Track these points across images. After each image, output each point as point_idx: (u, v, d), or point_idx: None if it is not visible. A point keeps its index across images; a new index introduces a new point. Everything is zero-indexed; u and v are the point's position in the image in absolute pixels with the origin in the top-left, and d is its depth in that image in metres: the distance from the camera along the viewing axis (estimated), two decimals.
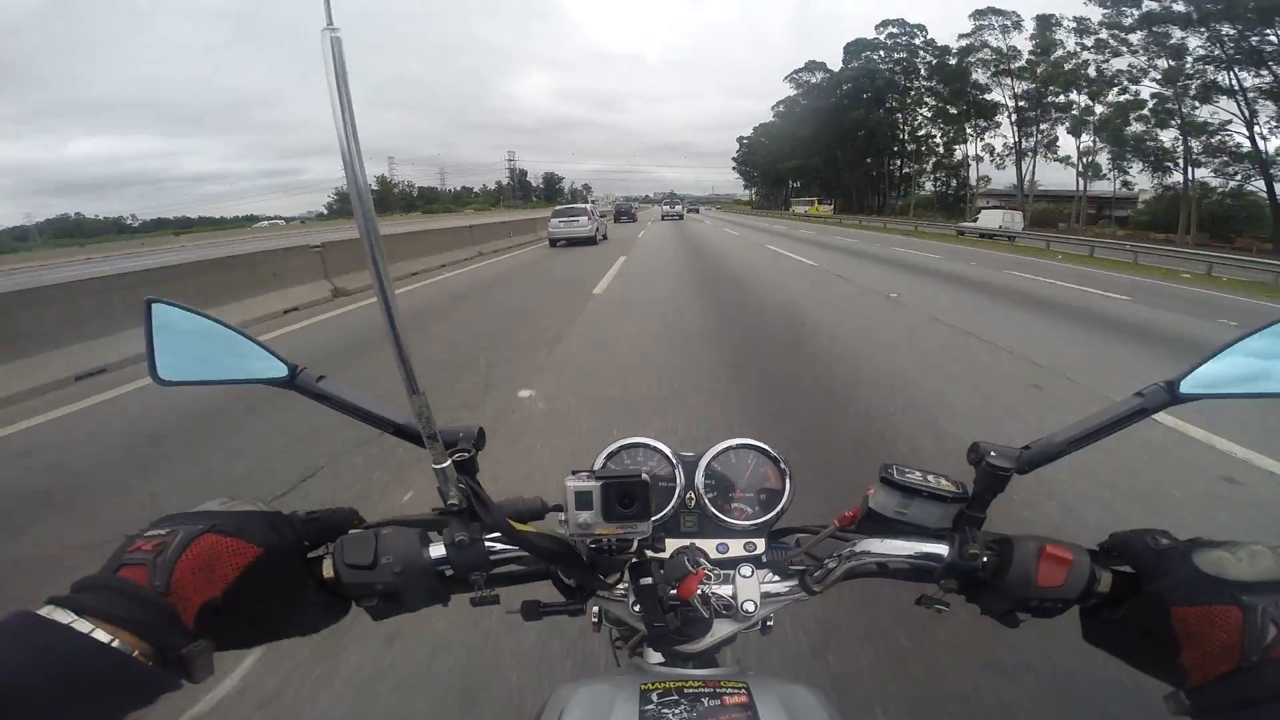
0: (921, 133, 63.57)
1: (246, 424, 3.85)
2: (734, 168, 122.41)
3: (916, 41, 61.27)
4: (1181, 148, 37.50)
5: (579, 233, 20.33)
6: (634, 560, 0.54)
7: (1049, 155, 49.22)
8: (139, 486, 3.08)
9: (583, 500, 0.47)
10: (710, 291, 9.58)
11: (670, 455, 0.70)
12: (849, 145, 68.99)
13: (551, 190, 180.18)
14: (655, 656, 0.64)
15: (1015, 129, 50.44)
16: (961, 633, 1.92)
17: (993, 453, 0.54)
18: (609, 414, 3.97)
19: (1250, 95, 33.11)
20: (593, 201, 44.20)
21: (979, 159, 56.46)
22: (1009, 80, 49.66)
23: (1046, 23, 45.15)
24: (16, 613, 0.36)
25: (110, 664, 0.36)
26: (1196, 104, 35.85)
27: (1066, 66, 43.63)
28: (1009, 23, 48.88)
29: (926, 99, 60.78)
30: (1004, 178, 56.10)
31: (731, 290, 9.82)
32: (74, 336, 5.37)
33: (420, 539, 0.53)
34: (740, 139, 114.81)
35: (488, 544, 0.53)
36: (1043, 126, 48.60)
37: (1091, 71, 42.17)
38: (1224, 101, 34.55)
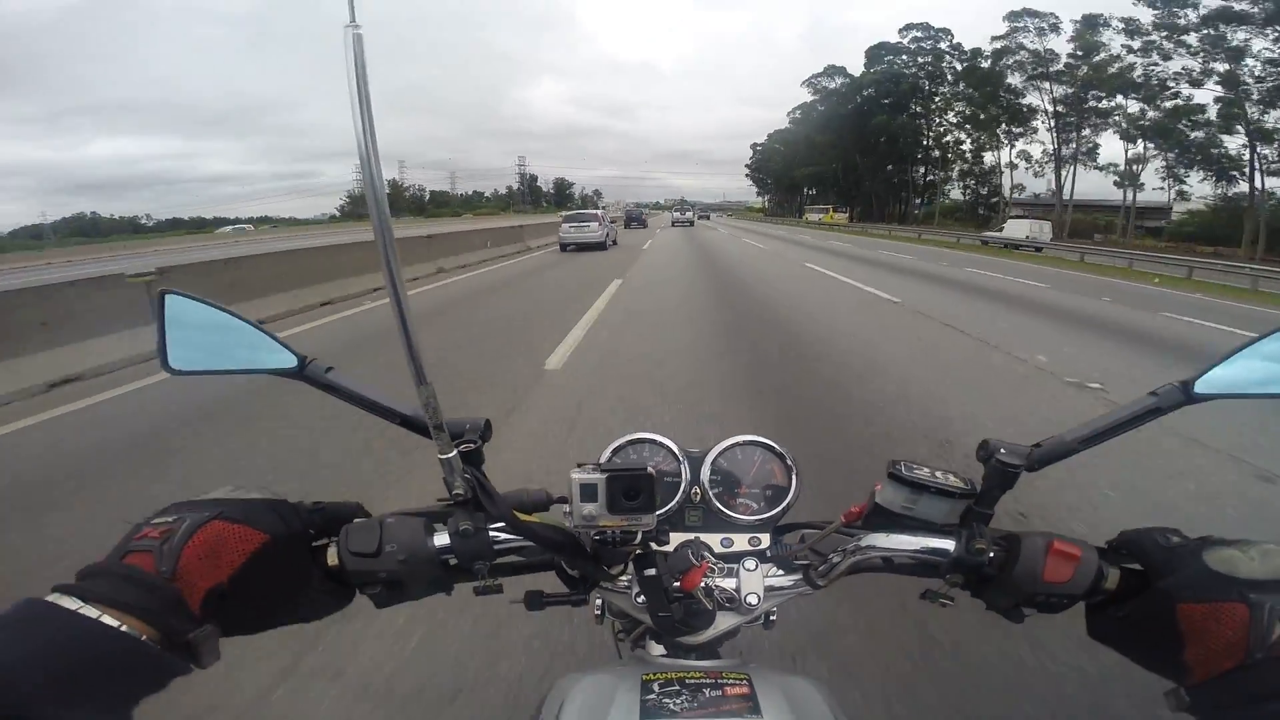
0: (948, 139, 60.92)
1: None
2: (747, 174, 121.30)
3: (942, 46, 58.89)
4: (1249, 155, 34.69)
5: (589, 238, 20.40)
6: (638, 552, 0.54)
7: (1087, 163, 46.45)
8: None
9: (588, 492, 0.48)
10: (754, 370, 5.28)
11: (676, 451, 0.69)
12: (872, 151, 66.52)
13: (561, 196, 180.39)
14: (657, 649, 0.64)
15: (1054, 134, 47.57)
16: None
17: (1002, 450, 0.54)
18: None
19: None
20: (603, 207, 43.25)
21: (1013, 166, 53.66)
22: (1046, 84, 46.88)
23: (1091, 23, 42.31)
24: (24, 601, 0.36)
25: (119, 649, 0.37)
26: (1265, 109, 33.08)
27: (1112, 70, 40.86)
28: (1046, 25, 46.11)
29: (956, 103, 58.07)
30: (1038, 186, 53.46)
31: (789, 360, 5.64)
32: None
33: (425, 528, 0.53)
34: (753, 145, 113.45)
35: (492, 534, 0.53)
36: (1084, 133, 45.82)
37: (1139, 75, 39.44)
38: None
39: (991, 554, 0.54)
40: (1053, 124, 47.45)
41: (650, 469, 0.49)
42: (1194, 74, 36.05)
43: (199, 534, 0.44)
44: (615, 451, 0.70)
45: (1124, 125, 41.75)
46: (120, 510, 2.19)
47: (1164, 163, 40.41)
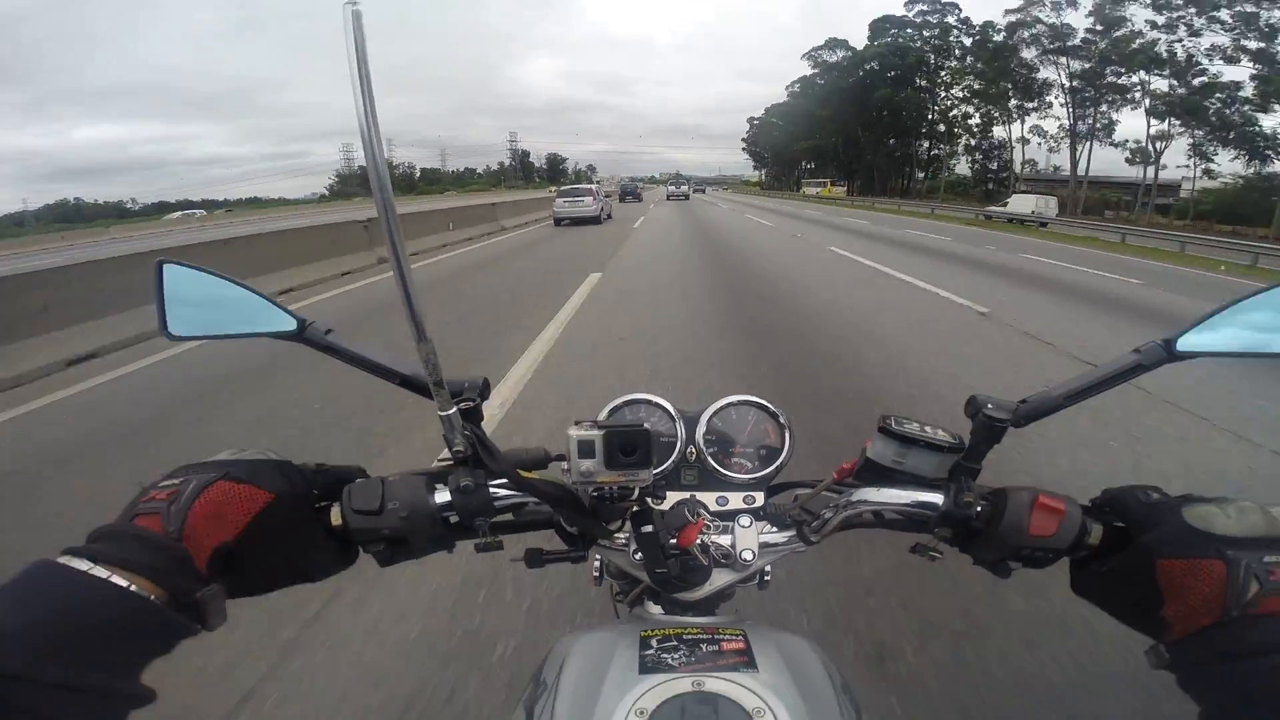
0: (954, 113, 58.86)
1: None
2: (744, 148, 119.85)
3: (950, 20, 56.87)
4: None
5: (584, 212, 20.22)
6: (635, 509, 0.54)
7: (1103, 139, 44.69)
8: None
9: (585, 449, 0.48)
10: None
11: (672, 411, 0.70)
12: (875, 125, 64.60)
13: (555, 171, 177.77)
14: (655, 609, 0.65)
15: (1070, 110, 45.62)
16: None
17: (990, 405, 0.54)
18: None
19: None
20: (598, 182, 41.87)
21: (1025, 141, 51.78)
22: (1063, 59, 44.73)
23: None
24: (36, 564, 0.37)
25: (129, 608, 0.37)
26: None
27: (1135, 44, 38.93)
28: None
29: (964, 77, 55.83)
30: (1053, 162, 51.68)
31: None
32: None
33: (426, 486, 0.53)
34: (751, 119, 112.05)
35: (492, 490, 0.54)
36: (1101, 109, 43.98)
37: (1163, 50, 37.53)
38: None
39: (979, 508, 0.55)
40: (1068, 100, 45.58)
41: (646, 426, 0.49)
42: (1227, 51, 34.39)
43: (205, 494, 0.44)
44: (612, 412, 0.71)
45: (1149, 102, 40.05)
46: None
47: (1191, 140, 38.83)
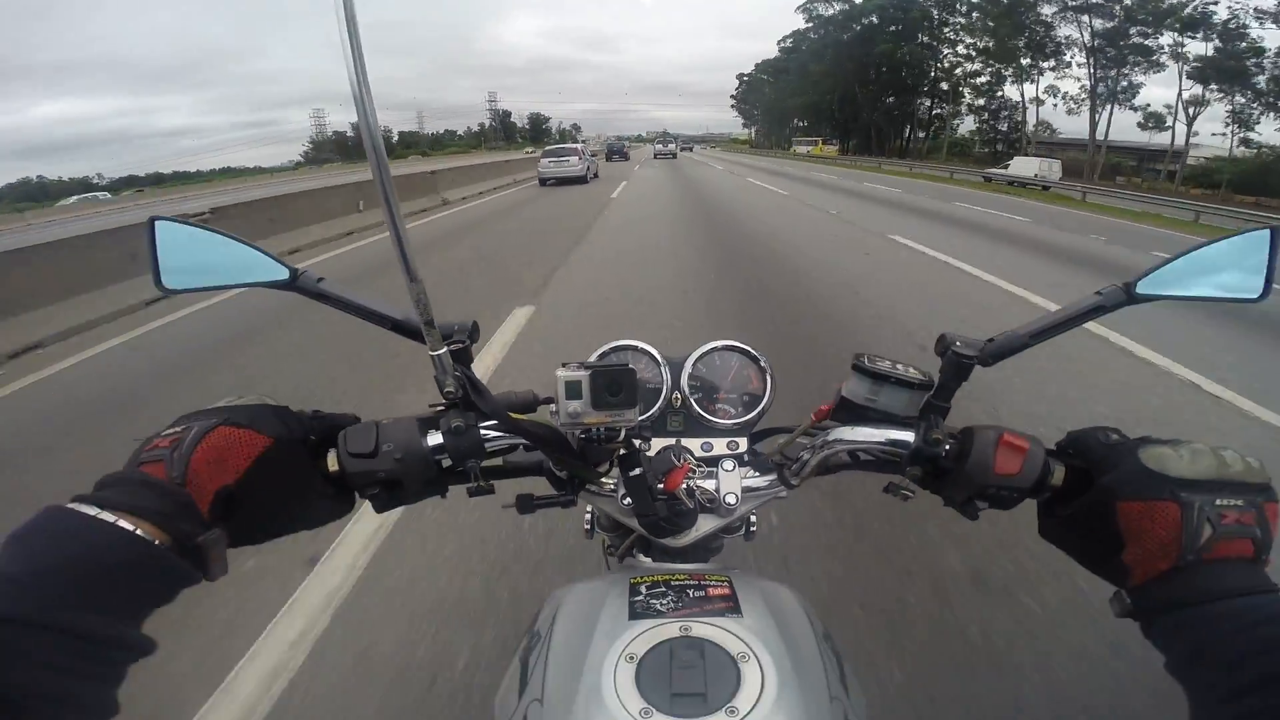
0: (959, 71, 55.52)
1: None
2: (733, 105, 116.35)
3: None
4: None
5: (569, 172, 20.41)
6: (622, 452, 0.55)
7: (1123, 103, 42.02)
8: None
9: (572, 390, 0.49)
10: None
11: (657, 356, 0.71)
12: (876, 81, 61.31)
13: (538, 131, 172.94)
14: (645, 560, 0.68)
15: (1091, 71, 42.44)
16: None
17: (958, 343, 0.56)
18: None
19: None
20: (583, 141, 40.76)
21: (1039, 101, 48.78)
22: (1085, 17, 41.47)
23: None
24: (46, 509, 0.37)
25: (134, 553, 0.38)
26: None
27: (1166, 3, 35.99)
28: None
29: (969, 35, 52.18)
30: (1071, 124, 48.86)
31: None
32: None
33: (419, 429, 0.54)
34: (740, 76, 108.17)
35: (483, 432, 0.54)
36: (1124, 70, 41.01)
37: (1196, 9, 34.67)
38: None
39: (947, 446, 0.56)
40: (1089, 60, 42.43)
41: (631, 366, 0.50)
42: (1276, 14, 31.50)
43: (206, 440, 0.45)
44: (600, 358, 0.71)
45: (1182, 65, 37.28)
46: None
47: (1230, 107, 36.42)
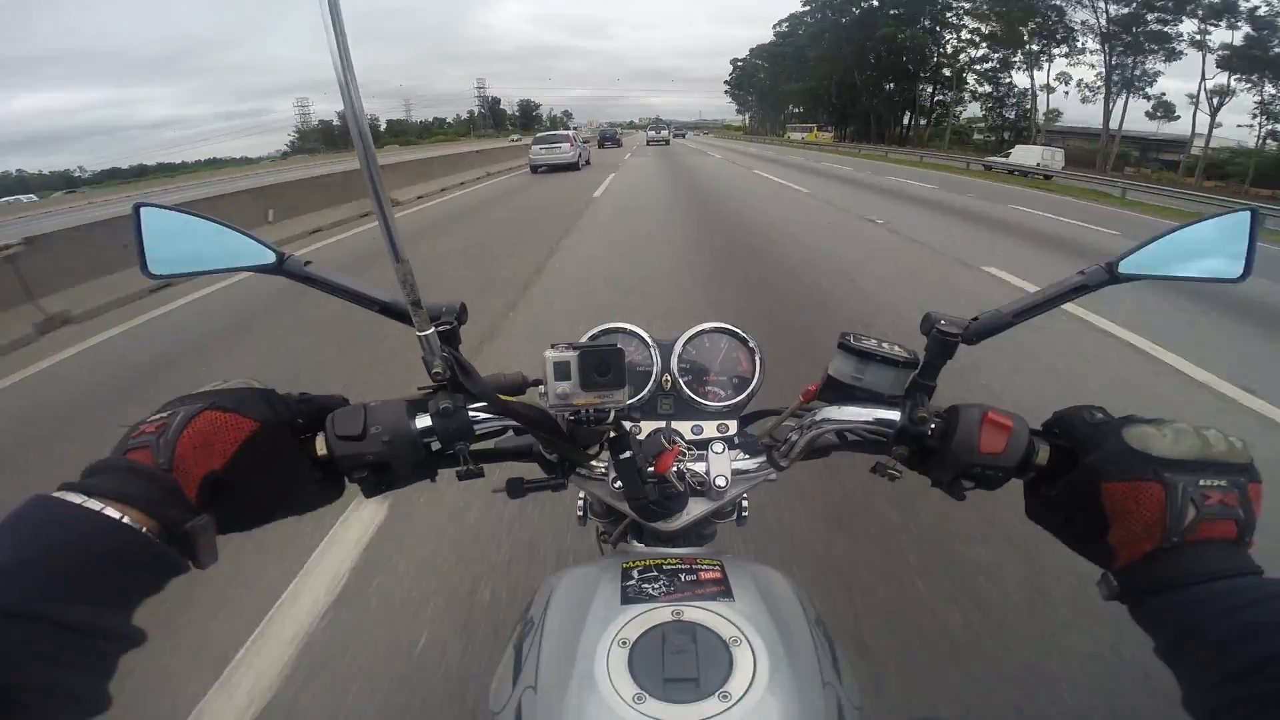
0: (963, 56, 53.82)
1: None
2: (726, 91, 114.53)
3: None
4: None
5: (561, 159, 20.42)
6: (613, 434, 0.55)
7: (1138, 92, 40.46)
8: None
9: (561, 371, 0.49)
10: None
11: (647, 339, 0.71)
12: (876, 66, 59.61)
13: (528, 118, 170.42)
14: (639, 546, 0.67)
15: (1106, 58, 40.75)
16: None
17: (942, 321, 0.55)
18: None
19: None
20: (575, 128, 41.23)
21: (1049, 89, 47.11)
22: (1101, 1, 39.76)
23: None
24: (32, 499, 0.37)
25: (122, 541, 0.37)
26: None
27: None
28: None
29: (979, 13, 50.09)
30: (1083, 113, 47.39)
31: None
32: None
33: (408, 411, 0.53)
34: (734, 61, 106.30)
35: (471, 414, 0.54)
36: (1140, 58, 39.37)
37: None
38: None
39: (933, 425, 0.55)
40: (1103, 47, 40.77)
41: (619, 347, 0.50)
42: None
43: (192, 424, 0.44)
44: (590, 340, 0.70)
45: (1210, 53, 35.63)
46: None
47: (1258, 97, 35.05)
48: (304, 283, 0.55)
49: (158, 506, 0.39)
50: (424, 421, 0.53)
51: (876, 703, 1.52)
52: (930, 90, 59.86)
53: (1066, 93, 46.01)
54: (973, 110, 57.01)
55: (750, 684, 0.42)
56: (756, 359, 0.71)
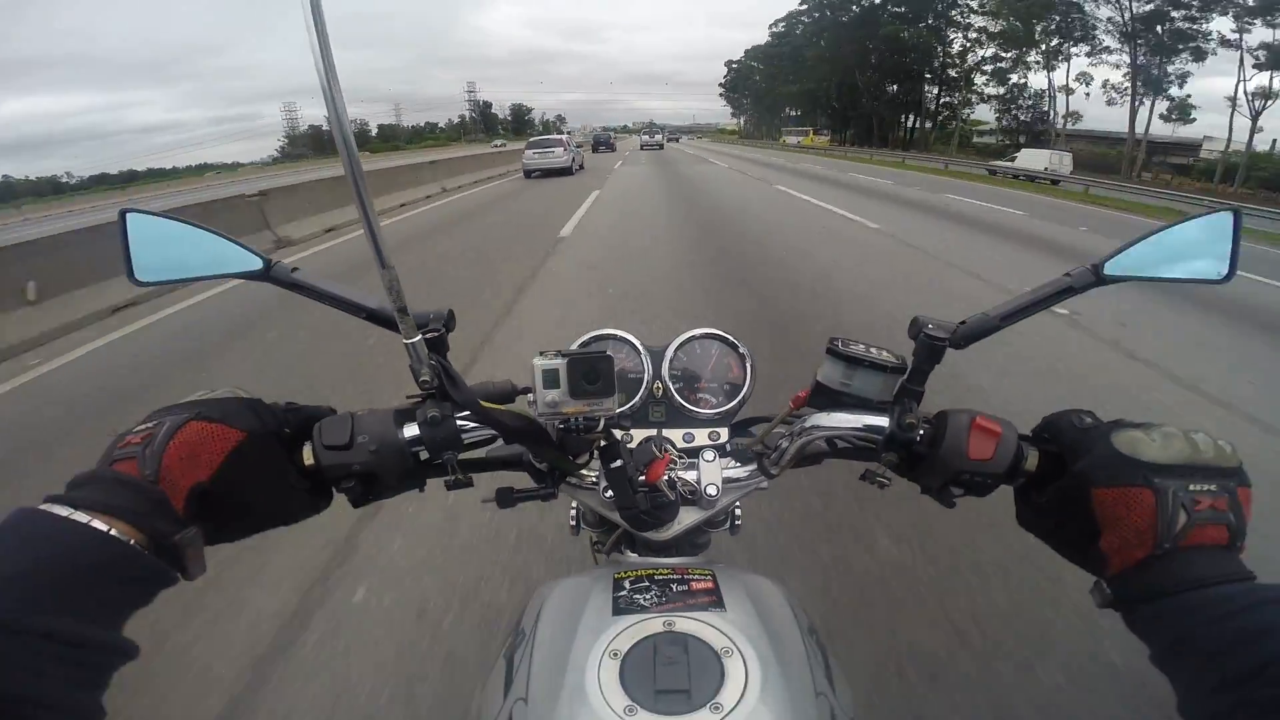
0: (970, 57, 51.51)
1: None
2: (721, 94, 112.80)
3: None
4: None
5: (554, 163, 20.08)
6: (603, 443, 0.54)
7: (1164, 93, 38.36)
8: None
9: (550, 378, 0.48)
10: None
11: (638, 345, 0.71)
12: (878, 66, 57.53)
13: (520, 123, 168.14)
14: (632, 557, 0.67)
15: (1132, 58, 38.49)
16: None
17: (930, 325, 0.55)
18: None
19: None
20: (568, 133, 39.06)
21: (1069, 90, 44.74)
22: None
23: None
24: (16, 511, 0.37)
25: (109, 553, 0.37)
26: None
27: None
28: None
29: (988, 10, 47.59)
30: (1109, 115, 45.28)
31: None
32: None
33: (395, 420, 0.53)
34: (729, 63, 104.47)
35: (459, 423, 0.53)
36: (1167, 58, 37.18)
37: None
38: None
39: (922, 431, 0.55)
40: (1127, 47, 38.52)
41: (609, 353, 0.49)
42: None
43: (179, 435, 0.44)
44: (580, 347, 0.69)
45: (1250, 52, 33.38)
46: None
47: None
48: (291, 289, 0.54)
49: (145, 518, 0.39)
50: (412, 431, 0.52)
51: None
52: (936, 92, 57.75)
53: (1088, 94, 43.85)
54: (981, 112, 55.05)
55: (742, 695, 0.42)
56: (747, 365, 0.71)
